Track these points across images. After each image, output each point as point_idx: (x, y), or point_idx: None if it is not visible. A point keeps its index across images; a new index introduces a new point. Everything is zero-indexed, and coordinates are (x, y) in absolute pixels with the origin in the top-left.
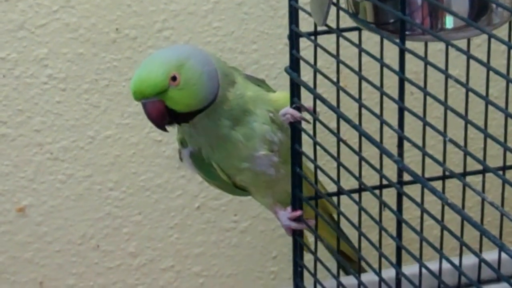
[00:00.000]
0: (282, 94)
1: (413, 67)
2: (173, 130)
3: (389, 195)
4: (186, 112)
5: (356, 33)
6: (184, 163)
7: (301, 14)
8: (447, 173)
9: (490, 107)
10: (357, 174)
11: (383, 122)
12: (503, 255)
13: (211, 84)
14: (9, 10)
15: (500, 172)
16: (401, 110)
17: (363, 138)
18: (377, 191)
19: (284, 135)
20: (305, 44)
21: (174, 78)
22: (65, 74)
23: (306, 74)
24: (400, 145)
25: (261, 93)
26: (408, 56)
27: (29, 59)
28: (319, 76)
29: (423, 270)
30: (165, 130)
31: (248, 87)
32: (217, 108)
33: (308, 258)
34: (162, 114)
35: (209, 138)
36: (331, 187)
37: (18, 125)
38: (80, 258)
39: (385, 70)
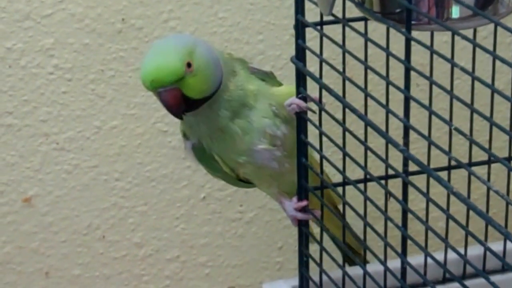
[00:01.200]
0: (286, 89)
1: (419, 59)
2: (177, 120)
3: (395, 186)
4: (198, 98)
5: (362, 23)
6: (187, 155)
7: (307, 4)
8: (452, 163)
9: (496, 99)
10: (363, 164)
11: (389, 112)
12: (509, 245)
13: (218, 70)
14: (15, 0)
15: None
16: (407, 99)
17: (369, 129)
18: (383, 182)
19: (289, 129)
20: (311, 35)
21: (189, 65)
22: (71, 65)
23: (312, 65)
24: (406, 135)
25: (263, 87)
26: (414, 48)
27: (35, 49)
28: (325, 67)
29: (429, 260)
30: (181, 118)
31: (250, 81)
32: (218, 97)
33: (313, 248)
34: (180, 101)
35: (209, 129)
36: (337, 177)
37: (24, 115)
38: (86, 248)
39: (391, 62)
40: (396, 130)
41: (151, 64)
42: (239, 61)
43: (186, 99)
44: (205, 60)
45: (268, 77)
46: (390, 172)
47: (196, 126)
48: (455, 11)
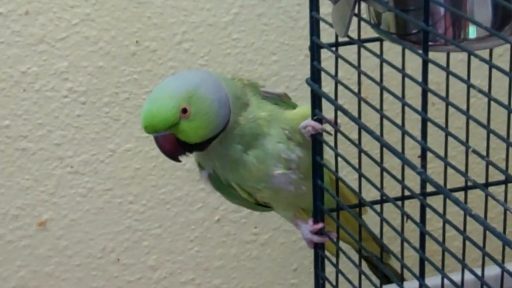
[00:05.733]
0: (300, 111)
1: (435, 77)
2: None
3: (411, 206)
4: (198, 142)
5: (377, 43)
6: (204, 184)
7: (322, 24)
8: (469, 183)
9: None
10: (379, 185)
11: (404, 133)
12: None
13: (223, 111)
14: (29, 24)
15: None
16: (424, 122)
17: (384, 149)
18: (399, 202)
19: (304, 151)
20: (325, 55)
21: (184, 111)
22: (86, 88)
23: (327, 85)
24: (423, 157)
25: (276, 112)
26: (430, 66)
27: (49, 73)
28: (340, 87)
29: (446, 281)
30: (178, 161)
31: (262, 107)
32: (228, 134)
33: (329, 270)
34: (175, 146)
35: (222, 162)
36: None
37: (38, 139)
38: (100, 271)
39: (407, 80)
40: (412, 150)
41: (145, 109)
42: (250, 86)
43: (183, 143)
44: (206, 105)
45: (280, 100)
46: (407, 192)
47: (208, 159)
48: (472, 32)
